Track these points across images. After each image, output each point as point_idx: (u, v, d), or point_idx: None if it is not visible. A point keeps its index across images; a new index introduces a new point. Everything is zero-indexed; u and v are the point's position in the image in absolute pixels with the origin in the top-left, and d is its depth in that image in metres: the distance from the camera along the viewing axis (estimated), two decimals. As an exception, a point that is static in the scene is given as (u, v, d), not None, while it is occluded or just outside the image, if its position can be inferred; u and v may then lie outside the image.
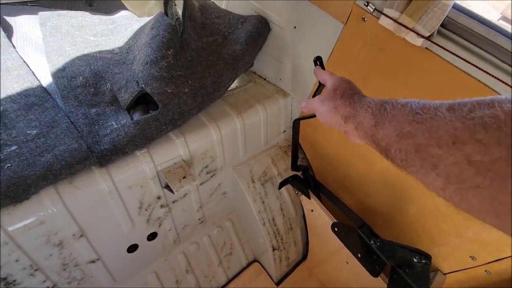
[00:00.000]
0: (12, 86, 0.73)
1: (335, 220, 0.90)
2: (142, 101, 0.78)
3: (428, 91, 0.65)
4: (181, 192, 0.78)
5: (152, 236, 0.85)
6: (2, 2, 1.09)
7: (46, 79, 0.78)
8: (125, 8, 1.24)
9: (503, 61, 0.55)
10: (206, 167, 0.89)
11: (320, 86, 0.66)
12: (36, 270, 0.65)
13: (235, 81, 1.13)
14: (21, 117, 0.68)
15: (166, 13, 0.82)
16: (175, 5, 0.84)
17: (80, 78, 0.76)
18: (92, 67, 0.78)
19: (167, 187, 0.76)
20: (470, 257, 0.70)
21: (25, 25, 0.91)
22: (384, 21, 0.65)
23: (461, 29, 0.58)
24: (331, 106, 0.42)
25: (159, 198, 0.80)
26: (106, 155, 0.66)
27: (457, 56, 0.57)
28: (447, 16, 0.57)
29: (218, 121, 0.86)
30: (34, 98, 0.72)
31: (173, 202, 0.85)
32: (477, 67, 0.56)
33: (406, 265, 0.68)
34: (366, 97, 0.39)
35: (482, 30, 0.56)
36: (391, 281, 0.71)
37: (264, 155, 1.05)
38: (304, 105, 0.51)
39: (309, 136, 1.04)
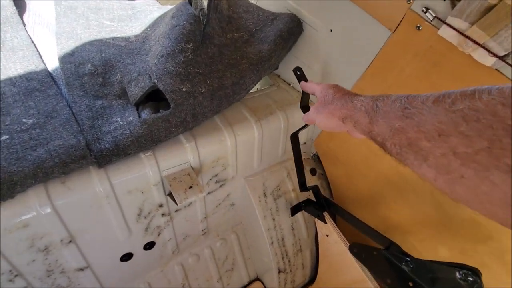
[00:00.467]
0: (15, 67, 0.66)
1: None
2: (153, 98, 0.70)
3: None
4: (187, 203, 0.70)
5: (149, 246, 0.77)
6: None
7: (52, 63, 0.71)
8: (148, -6, 1.17)
9: None
10: (216, 175, 0.80)
11: (304, 96, 0.68)
12: (16, 276, 0.58)
13: (257, 84, 1.04)
14: (19, 102, 0.61)
15: (190, 2, 0.74)
16: (201, -6, 0.76)
17: (89, 65, 0.68)
18: (103, 55, 0.70)
19: (171, 195, 0.68)
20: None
21: (39, 2, 0.85)
22: (445, 32, 0.54)
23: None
24: (326, 112, 0.45)
25: (161, 206, 0.72)
26: (106, 156, 0.58)
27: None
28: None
29: (234, 126, 0.77)
30: (37, 82, 0.65)
31: (176, 211, 0.77)
32: None
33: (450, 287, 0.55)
34: (357, 95, 0.40)
35: None
36: None
37: (280, 167, 0.96)
38: (305, 119, 0.56)
39: (331, 152, 0.94)
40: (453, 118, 0.24)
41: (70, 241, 0.61)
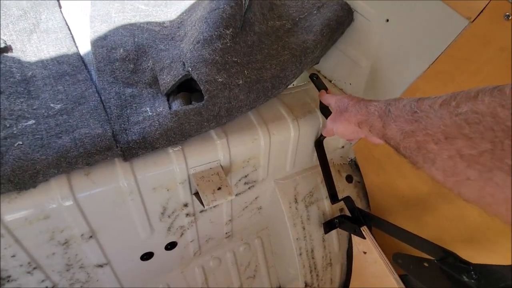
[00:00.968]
0: (48, 49, 0.64)
1: (396, 275, 0.70)
2: (186, 88, 0.64)
3: None
4: (214, 205, 0.64)
5: (171, 246, 0.73)
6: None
7: (85, 47, 0.67)
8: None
9: None
10: (246, 176, 0.73)
11: (324, 109, 0.69)
12: (34, 268, 0.55)
13: (293, 79, 0.96)
14: (49, 86, 0.58)
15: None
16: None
17: (121, 50, 0.64)
18: (135, 39, 0.66)
19: (197, 195, 0.62)
20: None
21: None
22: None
23: None
24: (342, 119, 0.47)
25: (185, 205, 0.67)
26: (132, 148, 0.53)
27: None
28: None
29: (270, 124, 0.70)
30: (67, 66, 0.62)
31: (201, 211, 0.72)
32: None
33: None
34: (371, 101, 0.42)
35: None
36: None
37: (314, 171, 0.87)
38: (324, 132, 0.61)
39: (374, 159, 0.83)
40: (457, 121, 0.24)
41: (90, 236, 0.57)
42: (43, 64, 0.61)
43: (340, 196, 0.79)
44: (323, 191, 0.88)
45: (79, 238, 0.56)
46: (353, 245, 0.83)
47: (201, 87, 0.55)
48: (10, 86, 0.56)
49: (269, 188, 0.82)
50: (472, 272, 0.50)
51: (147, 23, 0.70)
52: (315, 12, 0.74)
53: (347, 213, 0.82)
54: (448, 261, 0.54)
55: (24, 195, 0.48)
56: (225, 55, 0.57)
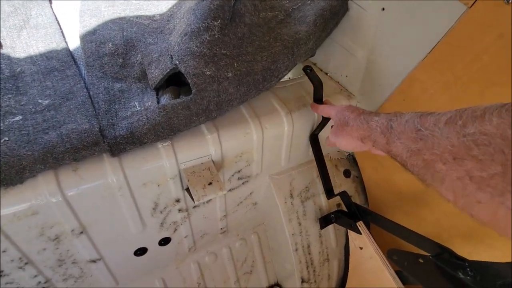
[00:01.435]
0: (37, 45, 0.63)
1: (391, 270, 0.68)
2: (176, 82, 0.63)
3: None
4: (205, 200, 0.63)
5: (164, 242, 0.73)
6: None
7: (74, 42, 0.67)
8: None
9: None
10: (239, 172, 0.72)
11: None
12: (26, 263, 0.55)
13: (289, 73, 0.94)
14: (37, 82, 0.58)
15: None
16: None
17: (110, 44, 0.63)
18: (124, 33, 0.65)
19: (188, 190, 0.62)
20: None
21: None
22: (553, 3, 0.40)
23: None
24: (344, 134, 0.47)
25: (177, 201, 0.66)
26: (120, 143, 0.53)
27: None
28: None
29: (262, 118, 0.69)
30: (56, 62, 0.61)
31: (194, 207, 0.71)
32: None
33: None
34: (372, 115, 0.41)
35: None
36: None
37: (310, 166, 0.86)
38: (327, 144, 0.58)
39: (373, 155, 0.81)
40: (465, 142, 0.24)
41: (81, 232, 0.57)
42: (32, 60, 0.60)
43: (337, 191, 0.77)
44: (320, 186, 0.86)
45: (70, 234, 0.56)
46: (349, 240, 0.82)
47: (189, 81, 0.54)
48: (-2, 83, 0.56)
49: (264, 183, 0.81)
50: (468, 269, 0.48)
51: (137, 16, 0.69)
52: (308, 2, 0.72)
53: (344, 208, 0.81)
54: (444, 257, 0.52)
55: (11, 191, 0.48)
56: (213, 48, 0.56)
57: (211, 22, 0.56)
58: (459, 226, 0.65)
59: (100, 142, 0.51)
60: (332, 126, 0.55)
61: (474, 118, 0.24)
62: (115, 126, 0.54)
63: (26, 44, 0.63)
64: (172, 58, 0.57)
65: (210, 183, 0.60)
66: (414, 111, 0.36)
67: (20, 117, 0.51)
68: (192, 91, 0.54)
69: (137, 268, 0.74)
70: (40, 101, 0.55)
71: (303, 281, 0.87)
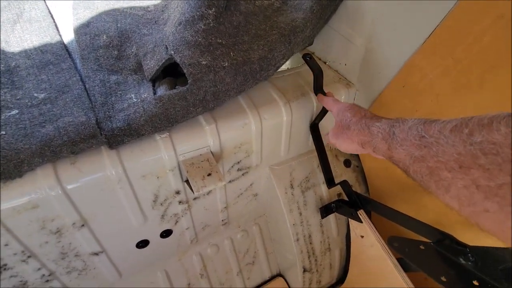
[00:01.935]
0: (31, 39, 0.63)
1: (393, 258, 0.69)
2: (172, 73, 0.63)
3: None
4: (204, 191, 0.63)
5: (166, 234, 0.73)
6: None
7: (69, 35, 0.66)
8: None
9: None
10: (238, 163, 0.72)
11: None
12: (29, 256, 0.56)
13: (287, 63, 0.93)
14: (32, 76, 0.57)
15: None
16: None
17: (104, 36, 0.63)
18: (118, 25, 0.64)
19: (188, 182, 0.62)
20: None
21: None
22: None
23: None
24: (344, 137, 0.45)
25: (178, 193, 0.66)
26: (118, 135, 0.53)
27: None
28: None
29: (261, 109, 0.68)
30: (51, 55, 0.61)
31: (195, 199, 0.71)
32: None
33: None
34: (373, 119, 0.41)
35: None
36: None
37: (310, 156, 0.86)
38: (326, 138, 0.57)
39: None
40: (471, 151, 0.24)
41: (82, 225, 0.57)
42: (26, 54, 0.60)
43: (337, 181, 0.77)
44: (320, 176, 0.86)
45: (71, 227, 0.56)
46: (350, 229, 0.82)
47: (185, 71, 0.54)
48: (-6, 77, 0.55)
49: (264, 174, 0.81)
50: (469, 254, 0.48)
51: (131, 7, 0.68)
52: (305, -12, 0.70)
53: (345, 198, 0.81)
54: (445, 243, 0.52)
55: (10, 185, 0.48)
56: (209, 37, 0.55)
57: (205, 10, 0.55)
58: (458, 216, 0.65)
59: (98, 135, 0.51)
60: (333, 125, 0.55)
61: (481, 126, 0.24)
62: (112, 118, 0.53)
63: (20, 38, 0.62)
64: (167, 48, 0.56)
65: (209, 174, 0.60)
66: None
67: (17, 111, 0.51)
68: (188, 81, 0.54)
69: (139, 260, 0.75)
70: (36, 94, 0.54)
71: (305, 270, 0.87)
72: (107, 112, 0.54)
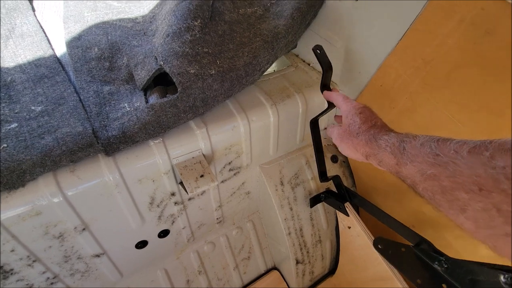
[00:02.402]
0: (25, 53, 0.65)
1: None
2: (163, 81, 0.66)
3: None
4: (198, 192, 0.67)
5: (163, 234, 0.77)
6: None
7: (61, 48, 0.69)
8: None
9: None
10: (230, 163, 0.76)
11: (327, 73, 0.62)
12: (34, 261, 0.59)
13: (273, 65, 0.97)
14: (28, 89, 0.60)
15: (198, -25, 0.67)
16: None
17: (96, 49, 0.66)
18: (109, 37, 0.67)
19: (182, 184, 0.66)
20: None
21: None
22: (502, -11, 0.44)
23: None
24: (349, 144, 0.43)
25: (173, 194, 0.70)
26: (113, 143, 0.56)
27: None
28: None
29: (248, 111, 0.72)
30: (45, 69, 0.63)
31: (189, 199, 0.75)
32: None
33: None
34: (382, 131, 0.39)
35: None
36: None
37: (298, 154, 0.90)
38: (327, 132, 0.54)
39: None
40: (493, 175, 0.23)
41: (83, 229, 0.61)
42: (21, 68, 0.63)
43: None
44: (308, 172, 0.91)
45: (73, 231, 0.60)
46: (338, 221, 0.87)
47: (174, 80, 0.57)
48: (-9, 93, 0.58)
49: (255, 173, 0.85)
50: (443, 262, 0.52)
51: (120, 20, 0.71)
52: (286, -4, 0.74)
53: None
54: (423, 247, 0.57)
55: (15, 194, 0.51)
56: (196, 47, 0.59)
57: (191, 22, 0.58)
58: (437, 218, 0.70)
59: (94, 143, 0.54)
60: (335, 118, 0.55)
61: (503, 151, 0.23)
62: (107, 127, 0.57)
63: (13, 53, 0.65)
64: (156, 59, 0.60)
65: (202, 176, 0.64)
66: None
67: (16, 124, 0.54)
68: (178, 89, 0.58)
69: (139, 261, 0.79)
70: (33, 108, 0.57)
71: (297, 262, 0.92)
72: (103, 122, 0.57)
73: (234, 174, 0.80)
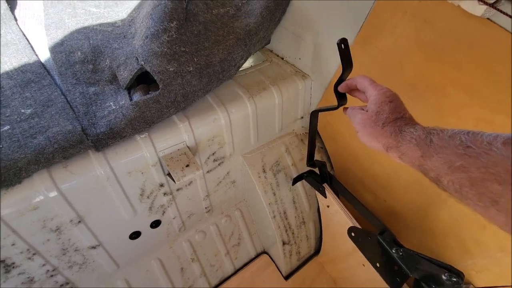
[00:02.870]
0: (10, 61, 0.69)
1: (354, 220, 0.81)
2: (145, 80, 0.71)
3: (484, 73, 0.52)
4: (185, 181, 0.73)
5: (155, 224, 0.82)
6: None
7: (45, 54, 0.73)
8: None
9: None
10: (213, 154, 0.82)
11: (346, 71, 0.54)
12: (34, 254, 0.63)
13: (249, 61, 1.03)
14: (17, 94, 0.64)
15: (172, -20, 0.72)
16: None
17: (79, 53, 0.70)
18: (91, 41, 0.71)
19: (170, 174, 0.71)
20: (515, 275, 0.60)
21: (28, -5, 0.86)
22: (433, -16, 0.51)
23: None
24: (372, 133, 0.41)
25: (162, 185, 0.75)
26: (102, 139, 0.61)
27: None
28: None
29: (227, 104, 0.78)
30: (31, 74, 0.67)
31: (178, 190, 0.80)
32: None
33: (433, 281, 0.59)
34: (409, 125, 0.38)
35: None
36: None
37: (278, 143, 0.97)
38: (348, 114, 0.49)
39: (330, 126, 0.93)
40: None
41: (79, 222, 0.65)
42: (8, 75, 0.66)
43: (303, 163, 0.88)
44: (288, 159, 0.97)
45: (69, 224, 0.64)
46: (319, 202, 0.94)
47: (155, 78, 0.62)
48: (-19, 99, 0.61)
49: (238, 162, 0.91)
50: (400, 250, 0.63)
51: (100, 24, 0.75)
52: (255, -4, 0.80)
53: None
54: (386, 237, 0.66)
55: (12, 191, 0.55)
56: (173, 46, 0.64)
57: (167, 24, 0.64)
58: (401, 210, 0.79)
59: (84, 140, 0.59)
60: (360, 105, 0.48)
61: None
62: (95, 125, 0.61)
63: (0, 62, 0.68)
64: (137, 59, 0.64)
65: (187, 165, 0.70)
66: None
67: (8, 126, 0.58)
68: (160, 86, 0.63)
69: (134, 251, 0.83)
70: (23, 111, 0.61)
71: (284, 243, 0.99)
72: (91, 120, 0.62)
73: (219, 164, 0.85)
